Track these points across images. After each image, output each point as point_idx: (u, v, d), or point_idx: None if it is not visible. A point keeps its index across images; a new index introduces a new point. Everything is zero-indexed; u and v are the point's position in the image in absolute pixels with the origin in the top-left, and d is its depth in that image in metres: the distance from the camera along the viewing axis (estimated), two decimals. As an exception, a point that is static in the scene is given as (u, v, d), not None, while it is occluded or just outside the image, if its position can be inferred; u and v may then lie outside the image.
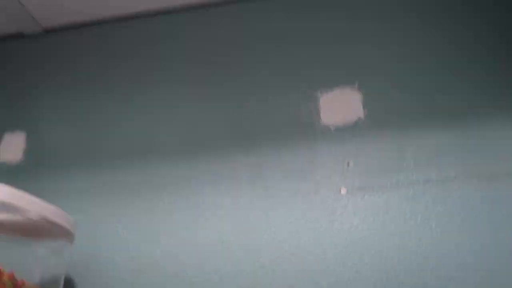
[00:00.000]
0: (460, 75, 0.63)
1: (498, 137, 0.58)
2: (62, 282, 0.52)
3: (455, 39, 0.65)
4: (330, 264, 0.55)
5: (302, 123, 0.64)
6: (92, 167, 0.69)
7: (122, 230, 0.62)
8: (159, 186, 0.65)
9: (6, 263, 0.43)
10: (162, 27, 0.78)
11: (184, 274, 0.58)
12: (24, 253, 0.48)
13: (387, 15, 0.69)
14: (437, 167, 0.58)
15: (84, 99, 0.75)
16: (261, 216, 0.60)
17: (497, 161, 0.56)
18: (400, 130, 0.61)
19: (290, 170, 0.61)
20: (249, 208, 0.60)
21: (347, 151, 0.61)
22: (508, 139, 0.57)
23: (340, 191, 0.59)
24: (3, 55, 0.82)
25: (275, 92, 0.67)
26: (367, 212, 0.57)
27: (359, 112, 0.63)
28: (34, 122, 0.74)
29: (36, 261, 0.49)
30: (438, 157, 0.58)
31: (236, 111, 0.67)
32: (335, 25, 0.70)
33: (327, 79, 0.66)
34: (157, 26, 0.78)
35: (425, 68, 0.64)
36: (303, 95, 0.66)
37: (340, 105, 0.64)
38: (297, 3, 0.73)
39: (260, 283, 0.56)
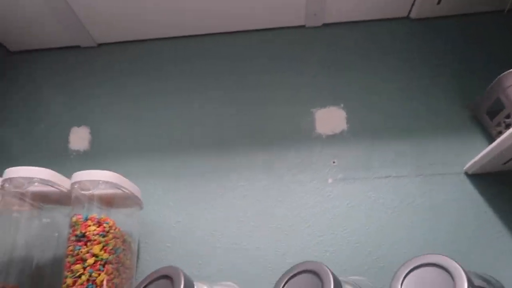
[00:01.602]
0: (413, 103, 0.87)
1: (436, 148, 0.82)
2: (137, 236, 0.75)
3: (409, 77, 0.90)
4: (320, 230, 0.79)
5: (302, 131, 0.88)
6: (142, 155, 0.90)
7: (171, 203, 0.85)
8: (196, 172, 0.87)
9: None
10: (195, 48, 0.98)
11: (215, 233, 0.82)
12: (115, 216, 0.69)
13: (364, 55, 0.92)
14: (394, 167, 0.83)
15: (133, 101, 0.95)
16: (271, 196, 0.83)
17: (435, 165, 0.82)
18: (371, 139, 0.85)
19: (293, 165, 0.85)
20: (264, 189, 0.84)
21: (333, 153, 0.85)
22: (442, 150, 0.82)
23: (328, 181, 0.83)
24: (63, 62, 1.02)
25: (284, 108, 0.90)
26: (345, 196, 0.81)
27: (343, 125, 0.87)
28: (95, 119, 0.95)
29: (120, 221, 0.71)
30: (396, 160, 0.83)
31: (254, 121, 0.89)
32: (328, 61, 0.93)
33: (321, 100, 0.89)
34: (194, 46, 0.98)
35: (390, 96, 0.88)
36: (304, 111, 0.89)
37: (330, 119, 0.88)
38: (302, 39, 0.96)
39: (269, 241, 0.80)
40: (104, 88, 0.98)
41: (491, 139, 0.80)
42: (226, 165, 0.87)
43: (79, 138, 0.93)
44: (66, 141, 0.93)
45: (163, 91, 0.96)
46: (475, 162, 0.77)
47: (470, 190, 0.80)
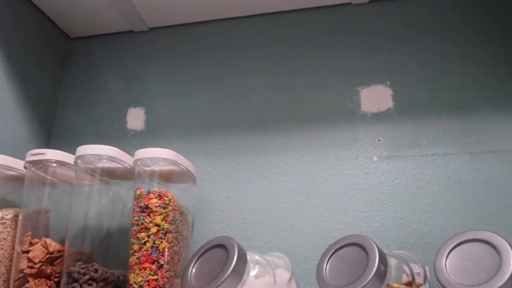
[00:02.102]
0: (461, 79, 0.85)
1: (485, 125, 0.81)
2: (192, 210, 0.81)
3: (458, 52, 0.87)
4: (365, 206, 0.82)
5: (347, 109, 0.89)
6: (193, 134, 0.96)
7: (220, 179, 0.90)
8: (243, 151, 0.91)
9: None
10: (242, 30, 1.01)
11: (262, 207, 0.86)
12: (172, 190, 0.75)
13: (411, 31, 0.91)
14: (442, 145, 0.83)
15: (185, 83, 1.01)
16: (316, 173, 0.86)
17: (484, 143, 0.81)
18: (417, 117, 0.85)
19: (337, 143, 0.87)
20: (309, 166, 0.87)
21: (378, 131, 0.86)
22: (491, 128, 0.81)
23: (373, 158, 0.85)
24: (119, 47, 1.09)
25: (328, 86, 0.91)
26: (391, 173, 0.83)
27: (389, 103, 0.87)
28: (149, 100, 1.01)
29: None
30: (443, 137, 0.83)
31: (300, 100, 0.92)
32: (374, 39, 0.92)
33: (367, 78, 0.90)
34: (242, 27, 1.01)
35: (436, 72, 0.87)
36: (349, 89, 0.90)
37: (375, 97, 0.88)
38: (348, 17, 0.96)
39: (314, 215, 0.83)
40: (157, 71, 1.03)
41: (545, 116, 0.78)
42: (272, 143, 0.91)
43: (135, 118, 0.99)
44: (124, 121, 1.01)
45: (212, 73, 1.00)
46: (527, 140, 0.76)
47: (521, 168, 0.78)
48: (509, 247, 0.53)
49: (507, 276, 0.50)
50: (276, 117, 0.92)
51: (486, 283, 0.51)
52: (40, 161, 0.70)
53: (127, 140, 0.99)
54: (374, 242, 0.58)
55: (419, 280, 0.63)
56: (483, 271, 0.53)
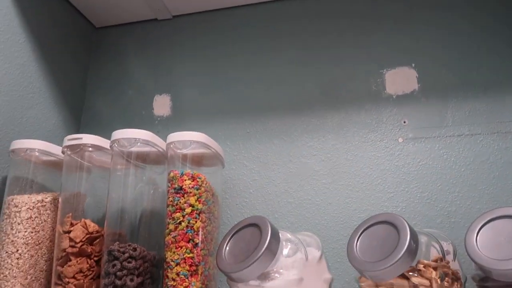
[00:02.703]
0: (487, 58, 0.85)
1: (513, 105, 0.82)
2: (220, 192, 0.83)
3: (483, 31, 0.87)
4: (391, 186, 0.83)
5: (372, 91, 0.90)
6: (218, 118, 0.98)
7: (246, 162, 0.92)
8: (268, 133, 0.93)
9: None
10: (265, 16, 1.01)
11: (289, 189, 0.88)
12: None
13: (437, 9, 0.90)
14: (468, 125, 0.83)
15: (209, 69, 1.02)
16: (341, 155, 0.88)
17: (511, 122, 0.80)
18: (443, 98, 0.85)
19: (362, 125, 0.88)
20: (334, 149, 0.88)
21: (404, 113, 0.87)
22: (520, 107, 0.81)
23: (398, 140, 0.86)
24: (143, 35, 1.11)
25: (354, 69, 0.92)
26: (416, 154, 0.83)
27: (414, 85, 0.88)
28: (174, 87, 1.03)
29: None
30: (469, 118, 0.83)
31: (325, 83, 0.93)
32: (399, 20, 0.92)
33: (392, 60, 0.90)
34: (266, 11, 1.02)
35: (461, 53, 0.86)
36: (373, 72, 0.90)
37: (400, 79, 0.89)
38: (371, 1, 0.96)
39: (340, 196, 0.85)
40: (181, 58, 1.05)
41: None
42: (297, 126, 0.92)
43: (161, 105, 1.02)
44: (151, 107, 1.03)
45: (236, 59, 1.01)
46: (556, 119, 0.75)
47: (549, 147, 0.78)
48: (541, 222, 0.53)
49: (539, 250, 0.51)
50: (301, 101, 0.93)
51: (518, 257, 0.52)
52: (78, 145, 0.73)
53: (154, 126, 1.01)
54: (405, 220, 0.59)
55: (448, 257, 0.64)
56: (515, 246, 0.54)
